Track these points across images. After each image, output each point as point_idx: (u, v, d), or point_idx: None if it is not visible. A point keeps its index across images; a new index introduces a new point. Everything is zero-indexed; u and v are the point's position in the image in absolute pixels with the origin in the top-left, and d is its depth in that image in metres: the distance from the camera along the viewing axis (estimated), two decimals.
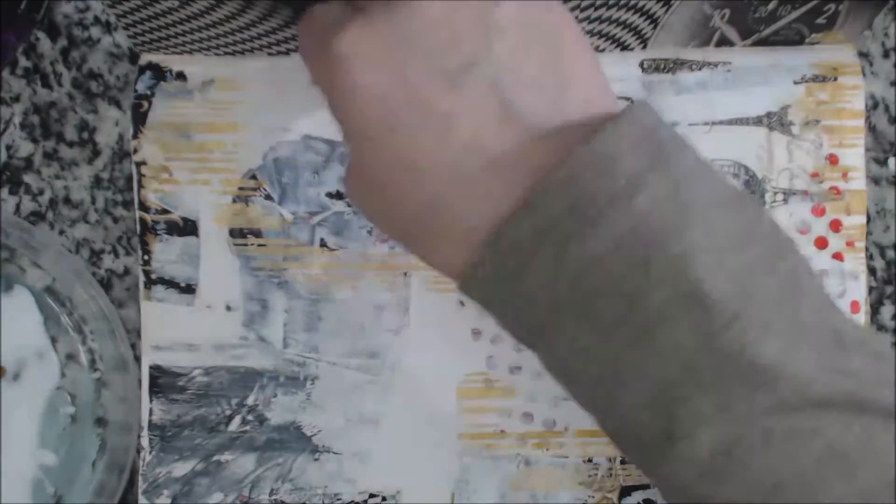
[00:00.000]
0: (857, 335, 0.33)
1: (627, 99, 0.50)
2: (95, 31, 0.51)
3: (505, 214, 0.33)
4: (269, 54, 0.50)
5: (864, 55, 0.52)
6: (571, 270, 0.32)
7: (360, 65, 0.34)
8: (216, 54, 0.50)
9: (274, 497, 0.50)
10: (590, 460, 0.50)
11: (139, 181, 0.50)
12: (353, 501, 0.50)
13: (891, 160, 0.53)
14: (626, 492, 0.50)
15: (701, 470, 0.32)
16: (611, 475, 0.50)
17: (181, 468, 0.50)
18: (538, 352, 0.36)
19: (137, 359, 0.50)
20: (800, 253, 0.34)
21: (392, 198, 0.35)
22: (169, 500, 0.50)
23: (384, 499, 0.50)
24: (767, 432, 0.31)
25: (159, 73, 0.50)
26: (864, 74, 0.51)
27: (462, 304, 0.50)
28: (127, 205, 0.51)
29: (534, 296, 0.33)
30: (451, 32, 0.34)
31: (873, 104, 0.52)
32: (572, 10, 0.48)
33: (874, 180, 0.52)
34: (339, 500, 0.50)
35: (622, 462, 0.50)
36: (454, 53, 0.34)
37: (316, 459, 0.50)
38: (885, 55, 0.53)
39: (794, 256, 0.34)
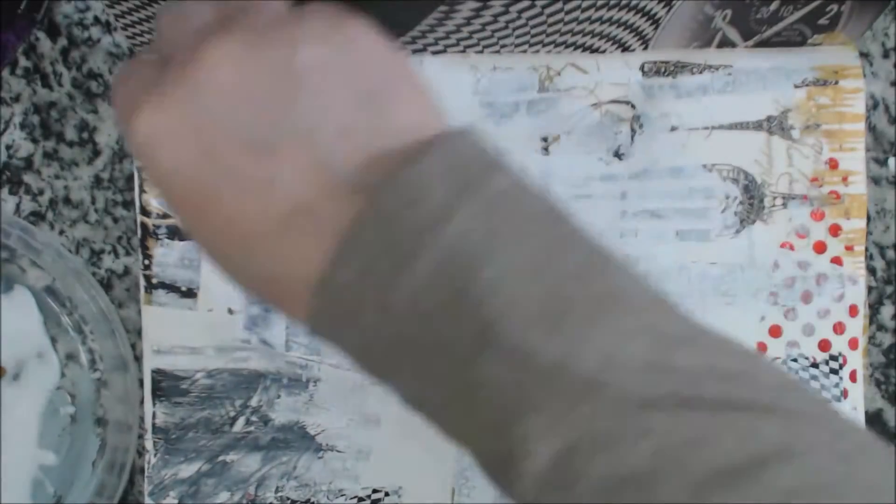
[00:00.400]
0: (683, 333, 0.33)
1: (628, 103, 0.50)
2: (95, 31, 0.51)
3: (325, 265, 0.32)
4: None
5: (864, 55, 0.52)
6: (395, 311, 0.32)
7: (161, 149, 0.33)
8: None
9: (280, 494, 0.50)
10: None
11: (141, 185, 0.50)
12: (356, 496, 0.50)
13: (891, 160, 0.53)
14: None
15: (545, 482, 0.31)
16: None
17: (187, 469, 0.50)
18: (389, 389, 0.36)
19: (137, 359, 0.51)
20: (615, 257, 0.34)
21: (229, 265, 0.35)
22: (176, 501, 0.50)
23: (387, 494, 0.51)
24: (598, 437, 0.31)
25: None
26: (864, 75, 0.51)
27: None
28: (127, 205, 0.51)
29: (368, 342, 0.33)
30: (250, 101, 0.33)
31: (873, 104, 0.52)
32: (574, 10, 0.48)
33: (874, 180, 0.52)
34: (342, 495, 0.50)
35: None
36: (257, 123, 0.33)
37: (320, 457, 0.51)
38: (885, 55, 0.53)
39: (612, 263, 0.34)
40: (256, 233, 0.33)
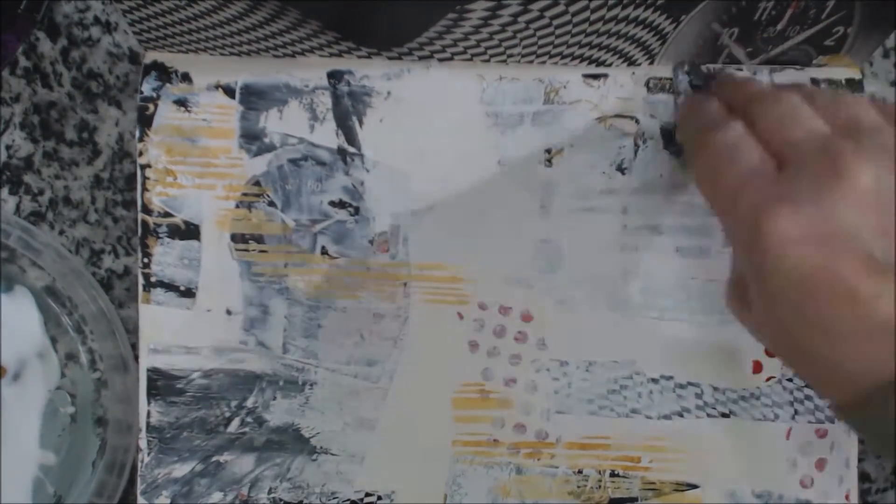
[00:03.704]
0: None
1: (632, 118, 0.50)
2: (95, 31, 0.50)
3: None
4: (275, 56, 0.50)
5: None
6: None
7: (788, 247, 0.36)
8: (222, 54, 0.50)
9: (273, 495, 0.51)
10: (579, 472, 0.51)
11: (143, 184, 0.49)
12: (349, 500, 0.51)
13: None
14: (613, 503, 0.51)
15: None
16: (599, 487, 0.51)
17: (180, 469, 0.51)
18: None
19: (137, 358, 0.51)
20: None
21: (790, 339, 0.38)
22: (168, 501, 0.50)
23: (379, 498, 0.51)
24: None
25: (165, 74, 0.49)
26: (863, 74, 0.51)
27: (460, 316, 0.51)
28: (127, 205, 0.51)
29: None
30: (878, 217, 0.36)
31: None
32: (581, 23, 0.48)
33: None
34: (335, 498, 0.51)
35: (611, 475, 0.51)
36: (881, 240, 0.36)
37: (314, 460, 0.51)
38: (885, 55, 0.53)
39: None
40: (840, 334, 0.36)
